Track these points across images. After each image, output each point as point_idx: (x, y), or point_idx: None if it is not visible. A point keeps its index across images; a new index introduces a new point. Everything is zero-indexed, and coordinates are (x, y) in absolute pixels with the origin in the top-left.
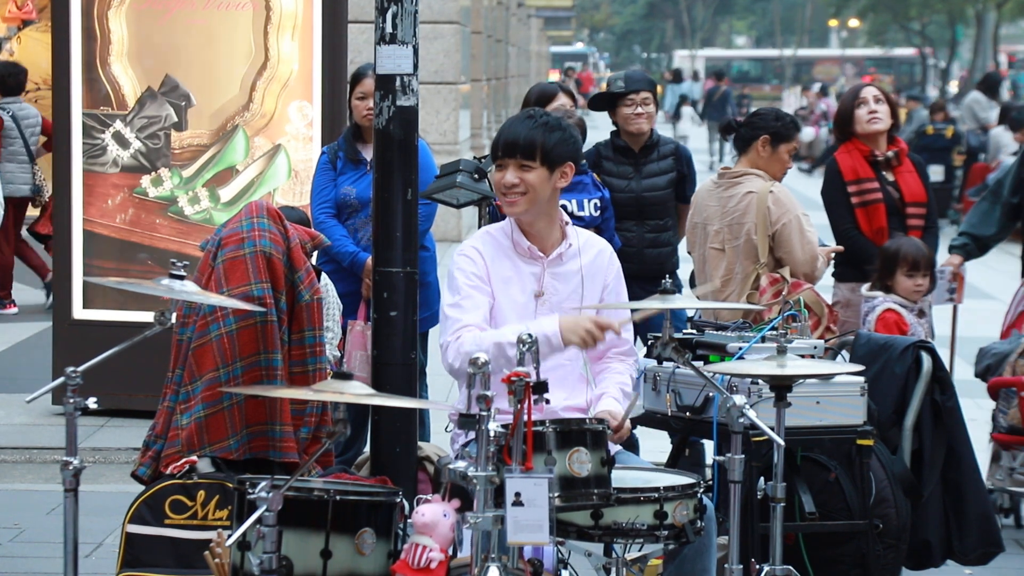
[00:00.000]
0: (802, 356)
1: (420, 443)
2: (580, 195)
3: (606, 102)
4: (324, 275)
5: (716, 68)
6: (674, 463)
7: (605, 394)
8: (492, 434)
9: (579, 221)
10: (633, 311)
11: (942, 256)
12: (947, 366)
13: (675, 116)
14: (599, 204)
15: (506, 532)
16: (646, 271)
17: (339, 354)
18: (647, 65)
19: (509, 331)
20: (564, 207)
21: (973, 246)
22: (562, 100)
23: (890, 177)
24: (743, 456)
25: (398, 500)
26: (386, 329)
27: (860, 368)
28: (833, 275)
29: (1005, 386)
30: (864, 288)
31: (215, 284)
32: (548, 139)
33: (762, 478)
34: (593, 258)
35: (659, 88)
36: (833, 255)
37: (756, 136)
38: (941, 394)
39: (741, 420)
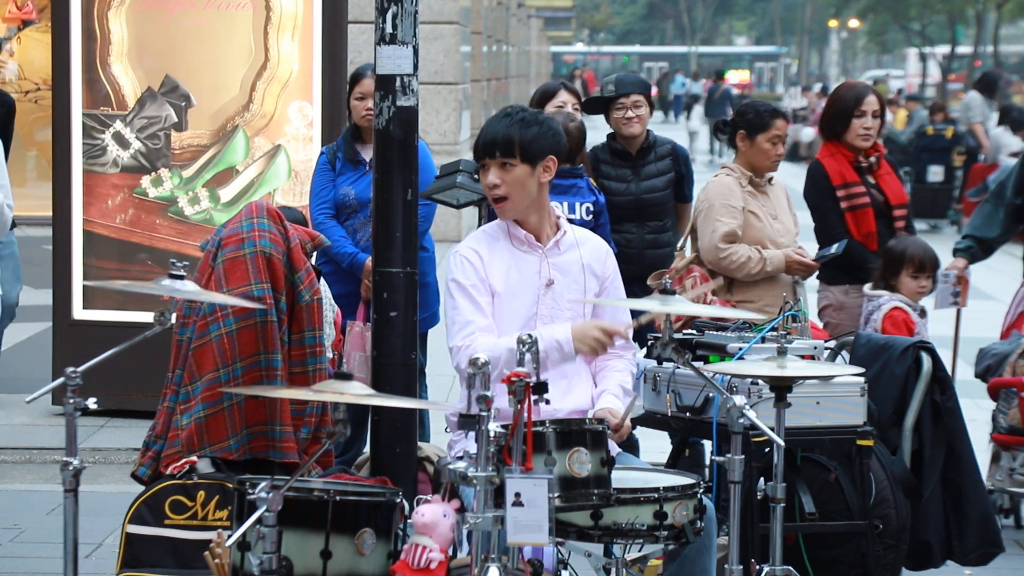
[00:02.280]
0: (802, 357)
1: (420, 443)
2: (573, 198)
3: (599, 106)
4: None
5: (717, 68)
6: (674, 463)
7: (606, 391)
8: (492, 434)
9: None
10: (636, 315)
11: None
12: (949, 368)
13: (674, 114)
14: (592, 208)
15: (506, 532)
16: (646, 272)
17: (332, 355)
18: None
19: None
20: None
21: (977, 248)
22: (563, 97)
23: (872, 180)
24: (743, 456)
25: (398, 500)
26: (386, 330)
27: (860, 371)
28: (820, 278)
29: (1005, 387)
30: (867, 288)
31: (215, 284)
32: (525, 135)
33: (762, 478)
34: (592, 251)
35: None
36: (821, 264)
37: (735, 133)
38: (941, 394)
39: (741, 420)
